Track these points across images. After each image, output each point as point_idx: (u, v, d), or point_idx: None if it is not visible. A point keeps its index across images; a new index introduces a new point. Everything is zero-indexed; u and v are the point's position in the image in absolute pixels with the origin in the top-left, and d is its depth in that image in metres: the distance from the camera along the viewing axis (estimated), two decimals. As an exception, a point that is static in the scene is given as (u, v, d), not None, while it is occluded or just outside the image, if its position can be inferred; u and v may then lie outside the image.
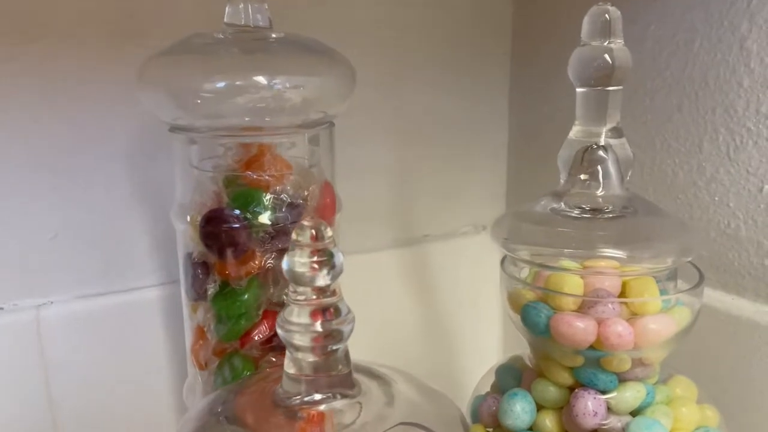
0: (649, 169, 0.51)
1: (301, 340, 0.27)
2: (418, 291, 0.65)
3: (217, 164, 0.38)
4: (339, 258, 0.27)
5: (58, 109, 0.46)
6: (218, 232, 0.36)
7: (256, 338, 0.38)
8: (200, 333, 0.40)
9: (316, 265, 0.26)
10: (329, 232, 0.27)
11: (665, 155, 0.50)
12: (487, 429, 0.39)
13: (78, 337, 0.49)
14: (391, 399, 0.30)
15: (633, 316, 0.33)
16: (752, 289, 0.46)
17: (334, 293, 0.28)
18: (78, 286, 0.49)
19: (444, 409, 0.31)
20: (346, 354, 0.29)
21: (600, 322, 0.33)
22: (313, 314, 0.27)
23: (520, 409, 0.36)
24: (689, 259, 0.34)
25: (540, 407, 0.37)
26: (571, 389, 0.36)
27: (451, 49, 0.62)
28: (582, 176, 0.35)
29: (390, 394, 0.30)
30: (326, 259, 0.26)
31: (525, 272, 0.38)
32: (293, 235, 0.27)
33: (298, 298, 0.27)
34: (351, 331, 0.28)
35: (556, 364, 0.36)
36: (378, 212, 0.62)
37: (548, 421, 0.36)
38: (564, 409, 0.36)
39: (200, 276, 0.38)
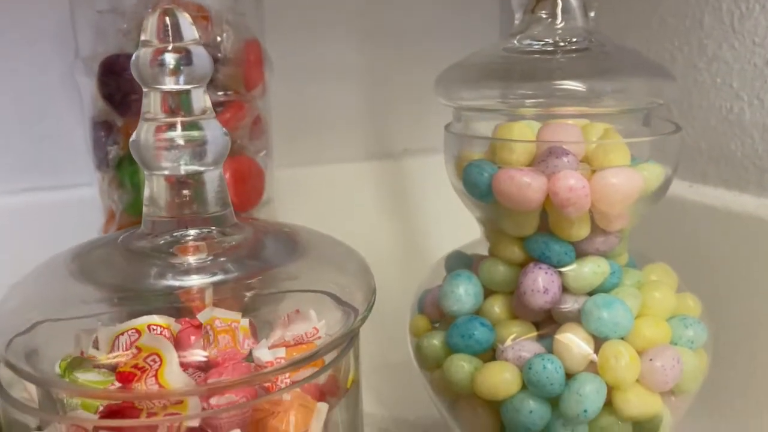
0: (644, 54, 0.45)
1: (150, 158, 0.22)
2: (395, 208, 0.59)
3: (122, 10, 0.33)
4: (201, 59, 0.22)
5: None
6: (118, 82, 0.32)
7: (166, 211, 0.33)
8: (111, 213, 0.36)
9: (169, 62, 0.21)
10: (191, 30, 0.22)
11: (662, 37, 0.44)
12: (434, 324, 0.34)
13: (2, 234, 0.45)
14: (282, 258, 0.25)
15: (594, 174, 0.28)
16: (756, 182, 0.39)
17: (203, 113, 0.23)
18: (3, 180, 0.45)
19: (350, 281, 0.25)
20: (221, 190, 0.23)
21: (551, 177, 0.27)
22: (160, 128, 0.21)
23: (463, 291, 0.31)
24: (661, 102, 0.28)
25: (489, 292, 0.32)
26: (523, 267, 0.30)
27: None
28: (541, 13, 0.30)
29: (282, 250, 0.25)
30: (180, 57, 0.21)
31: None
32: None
33: (150, 114, 0.22)
34: (221, 154, 0.23)
35: (504, 238, 0.30)
36: (350, 120, 0.57)
37: (497, 306, 0.31)
38: (515, 292, 0.31)
39: (102, 138, 0.33)
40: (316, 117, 0.55)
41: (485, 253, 0.34)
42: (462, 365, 0.29)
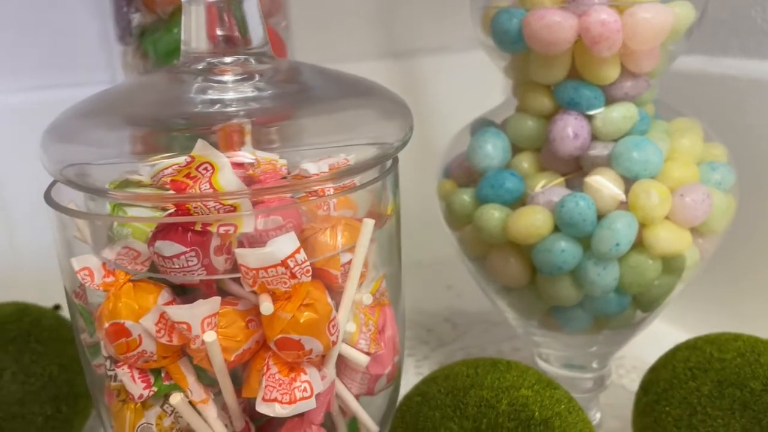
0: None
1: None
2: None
3: None
4: None
5: None
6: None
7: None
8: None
9: None
10: None
11: None
12: (460, 186, 0.34)
13: (15, 133, 0.45)
14: (320, 84, 0.25)
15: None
16: (778, 46, 0.39)
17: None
18: (15, 77, 0.45)
19: (387, 110, 0.25)
20: (261, 23, 0.23)
21: (581, 16, 0.27)
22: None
23: (491, 147, 0.31)
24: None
25: (517, 150, 0.32)
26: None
27: None
28: None
29: (320, 79, 0.25)
30: None
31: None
32: None
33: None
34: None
35: (533, 88, 0.30)
36: (363, 17, 0.56)
37: (525, 162, 0.31)
38: (543, 147, 0.31)
39: (123, 7, 0.33)
40: (328, 14, 0.55)
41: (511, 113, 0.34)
42: (493, 213, 0.30)
